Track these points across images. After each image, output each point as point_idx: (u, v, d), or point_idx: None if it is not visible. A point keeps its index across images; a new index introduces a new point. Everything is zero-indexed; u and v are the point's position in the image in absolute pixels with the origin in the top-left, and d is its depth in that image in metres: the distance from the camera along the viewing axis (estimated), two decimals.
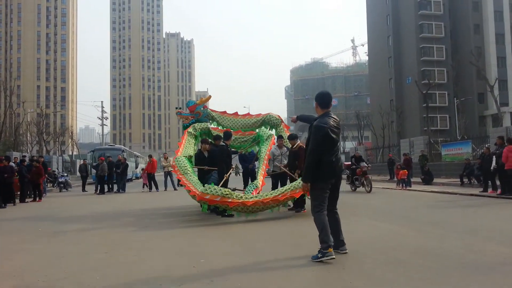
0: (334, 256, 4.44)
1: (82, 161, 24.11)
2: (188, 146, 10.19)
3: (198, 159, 9.80)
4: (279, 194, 8.07)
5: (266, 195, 8.14)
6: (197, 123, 10.92)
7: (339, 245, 4.80)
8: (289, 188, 8.12)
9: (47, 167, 20.09)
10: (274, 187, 9.95)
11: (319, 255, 4.48)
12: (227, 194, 7.80)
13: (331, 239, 4.57)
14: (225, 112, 11.38)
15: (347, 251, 4.77)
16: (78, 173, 27.31)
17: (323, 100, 4.88)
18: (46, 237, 6.73)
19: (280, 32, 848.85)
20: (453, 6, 50.85)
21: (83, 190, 20.58)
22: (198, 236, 6.50)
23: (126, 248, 5.59)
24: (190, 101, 11.59)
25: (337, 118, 4.90)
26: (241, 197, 8.00)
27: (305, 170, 4.76)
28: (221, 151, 9.19)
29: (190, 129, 10.67)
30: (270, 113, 11.28)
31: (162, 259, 4.81)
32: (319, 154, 4.63)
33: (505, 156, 11.81)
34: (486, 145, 18.00)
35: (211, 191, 7.82)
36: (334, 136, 4.69)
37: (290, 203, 9.08)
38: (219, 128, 11.07)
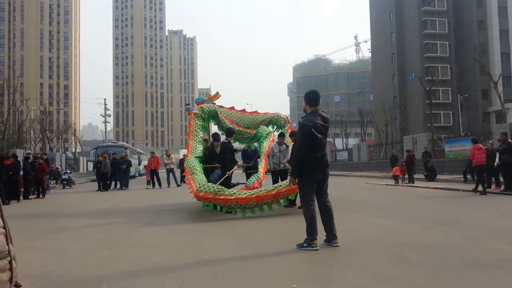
0: (318, 248, 4.78)
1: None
2: (196, 140, 10.10)
3: (210, 155, 9.82)
4: (274, 190, 8.04)
5: (260, 191, 8.13)
6: (205, 104, 10.86)
7: (331, 238, 4.97)
8: (284, 185, 8.08)
9: (50, 164, 20.15)
10: (275, 183, 9.97)
11: (305, 244, 4.84)
12: (219, 191, 7.81)
13: (317, 232, 4.88)
14: (233, 108, 11.31)
15: (338, 244, 4.93)
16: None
17: (311, 98, 5.11)
18: (49, 233, 6.76)
19: (282, 29, 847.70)
20: (456, 2, 50.63)
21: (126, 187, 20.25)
22: (201, 233, 6.51)
23: (129, 245, 5.60)
24: (199, 98, 11.58)
25: (325, 116, 5.09)
26: (234, 193, 8.00)
27: (292, 165, 5.11)
28: (224, 148, 9.19)
29: (197, 111, 10.48)
30: (278, 114, 11.21)
31: (165, 256, 4.82)
32: (304, 151, 4.87)
33: (471, 153, 12.81)
34: (490, 142, 17.93)
35: (205, 189, 7.85)
36: (318, 134, 4.90)
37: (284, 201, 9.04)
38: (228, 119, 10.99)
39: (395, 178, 18.26)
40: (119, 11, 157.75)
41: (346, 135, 55.93)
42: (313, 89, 5.49)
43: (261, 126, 11.04)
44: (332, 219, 5.03)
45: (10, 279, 1.67)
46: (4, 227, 1.44)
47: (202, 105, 10.73)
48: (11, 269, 1.63)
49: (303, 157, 4.87)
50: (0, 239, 1.43)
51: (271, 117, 11.03)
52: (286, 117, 11.23)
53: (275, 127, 11.09)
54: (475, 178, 17.11)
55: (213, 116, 10.80)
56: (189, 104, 12.46)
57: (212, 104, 10.94)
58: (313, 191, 4.99)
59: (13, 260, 1.68)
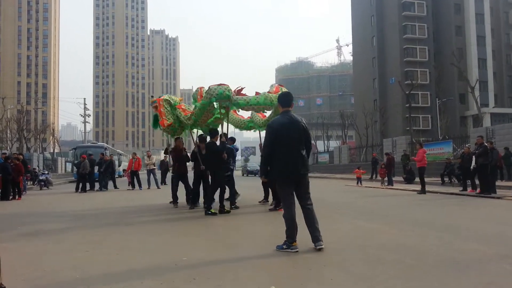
0: (297, 250, 4.77)
1: (109, 156, 23.73)
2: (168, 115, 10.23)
3: (193, 158, 9.73)
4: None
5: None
6: (173, 95, 10.97)
7: (314, 240, 4.91)
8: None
9: (27, 165, 19.71)
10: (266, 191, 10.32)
11: (284, 246, 4.84)
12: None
13: (296, 235, 4.87)
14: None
15: (322, 246, 4.84)
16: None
17: (283, 99, 5.18)
18: (25, 235, 6.61)
19: (266, 31, 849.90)
20: (436, 8, 51.67)
21: (115, 187, 20.02)
22: (180, 234, 6.48)
23: (106, 246, 5.53)
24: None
25: (295, 118, 5.00)
26: None
27: (260, 166, 5.27)
28: (208, 147, 9.03)
29: (166, 97, 10.45)
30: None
31: (144, 257, 4.77)
32: (268, 151, 4.94)
33: (421, 156, 13.63)
34: (467, 145, 18.35)
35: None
36: (282, 134, 4.87)
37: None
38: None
39: (358, 180, 19.09)
40: (100, 10, 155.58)
41: (328, 138, 56.40)
42: (287, 90, 5.55)
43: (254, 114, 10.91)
44: (314, 222, 4.96)
45: None
46: None
47: (170, 95, 10.89)
48: None
49: (267, 157, 4.97)
50: None
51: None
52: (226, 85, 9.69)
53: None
54: (451, 180, 17.51)
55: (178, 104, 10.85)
56: (153, 96, 12.03)
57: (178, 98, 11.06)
58: (290, 193, 4.97)
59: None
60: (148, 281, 3.81)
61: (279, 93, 10.31)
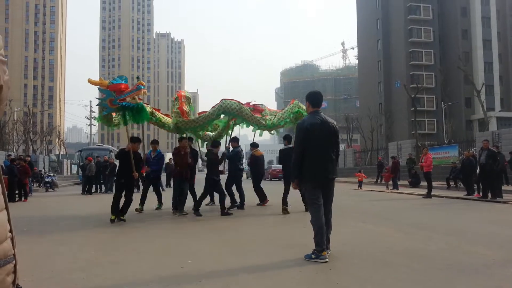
0: (327, 260, 4.47)
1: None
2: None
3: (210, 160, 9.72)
4: None
5: None
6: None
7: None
8: None
9: (33, 167, 19.84)
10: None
11: (313, 256, 4.52)
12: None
13: (325, 242, 4.57)
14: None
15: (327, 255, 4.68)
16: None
17: (313, 99, 5.01)
18: (32, 237, 6.65)
19: (271, 34, 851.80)
20: (442, 12, 51.51)
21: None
22: (186, 237, 6.48)
23: (113, 248, 5.55)
24: (120, 77, 9.47)
25: (326, 119, 4.91)
26: None
27: (291, 168, 4.89)
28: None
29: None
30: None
31: (150, 259, 4.79)
32: (300, 152, 4.72)
33: (430, 161, 13.74)
34: (473, 149, 18.26)
35: None
36: (313, 134, 4.68)
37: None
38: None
39: (359, 183, 19.67)
40: (106, 13, 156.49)
41: None
42: (316, 90, 5.44)
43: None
44: (329, 230, 4.80)
45: (13, 282, 1.66)
46: (11, 231, 1.48)
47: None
48: (15, 271, 1.62)
49: (299, 158, 4.71)
50: (8, 242, 1.47)
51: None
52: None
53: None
54: (458, 185, 17.41)
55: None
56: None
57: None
58: (318, 197, 4.71)
59: (16, 263, 1.68)
60: (154, 283, 3.82)
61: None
